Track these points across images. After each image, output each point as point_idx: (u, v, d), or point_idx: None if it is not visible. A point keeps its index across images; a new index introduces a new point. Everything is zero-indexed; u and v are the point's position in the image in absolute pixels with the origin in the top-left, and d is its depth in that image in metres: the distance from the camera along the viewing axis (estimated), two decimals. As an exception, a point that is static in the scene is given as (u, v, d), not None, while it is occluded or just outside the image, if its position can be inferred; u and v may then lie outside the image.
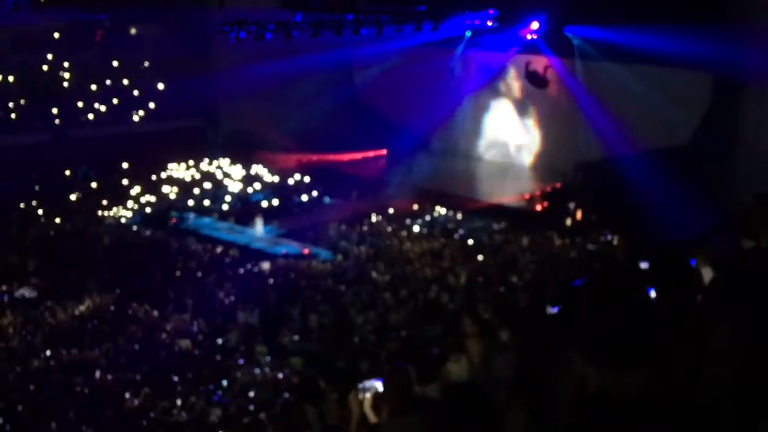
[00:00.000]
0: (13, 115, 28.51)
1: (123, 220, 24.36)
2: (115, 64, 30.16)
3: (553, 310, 6.42)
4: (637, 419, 2.92)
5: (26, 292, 17.73)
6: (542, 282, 16.22)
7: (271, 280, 18.44)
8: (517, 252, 20.34)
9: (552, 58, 25.15)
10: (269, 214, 24.50)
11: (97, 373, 13.45)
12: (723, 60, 19.39)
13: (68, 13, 27.56)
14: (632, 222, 19.41)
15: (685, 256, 5.01)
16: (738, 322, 3.28)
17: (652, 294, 4.82)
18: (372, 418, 5.55)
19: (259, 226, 23.13)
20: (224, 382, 13.11)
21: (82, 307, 16.72)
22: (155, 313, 16.35)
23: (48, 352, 14.42)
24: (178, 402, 12.34)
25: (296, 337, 14.93)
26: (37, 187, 25.87)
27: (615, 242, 20.87)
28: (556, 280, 15.27)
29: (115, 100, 29.88)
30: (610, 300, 4.19)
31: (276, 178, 27.63)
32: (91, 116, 29.48)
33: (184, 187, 26.69)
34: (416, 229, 22.96)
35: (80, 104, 29.32)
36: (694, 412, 2.97)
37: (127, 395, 12.59)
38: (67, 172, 27.27)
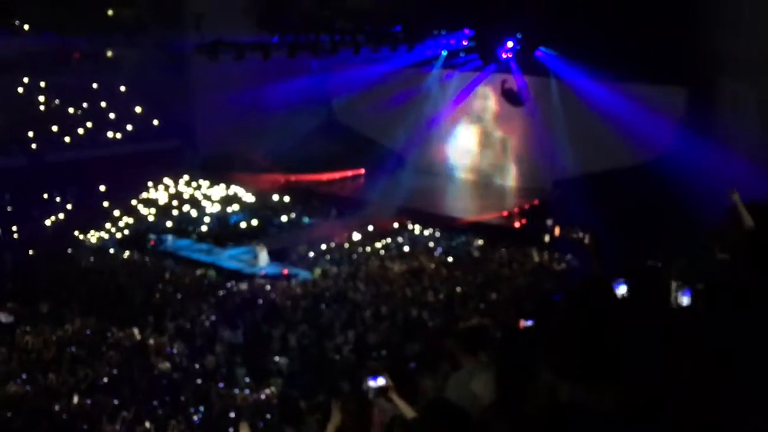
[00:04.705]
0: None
1: (101, 243, 24.18)
2: (92, 86, 30.07)
3: (527, 323, 6.46)
4: (609, 429, 2.97)
5: (2, 317, 17.52)
6: (521, 297, 16.28)
7: (251, 301, 18.36)
8: (497, 268, 20.40)
9: (526, 77, 25.42)
10: (249, 235, 24.41)
11: (75, 398, 13.30)
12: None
13: (45, 37, 27.44)
14: (608, 238, 19.50)
15: (661, 275, 5.09)
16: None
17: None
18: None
19: (263, 256, 22.16)
20: (202, 407, 12.98)
21: (60, 331, 16.55)
22: (135, 335, 16.21)
23: (24, 376, 14.26)
24: (156, 426, 12.20)
25: (277, 358, 14.85)
26: (11, 210, 25.67)
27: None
28: (535, 296, 15.36)
29: (90, 124, 29.77)
30: (584, 316, 4.24)
31: (255, 199, 27.61)
32: (68, 139, 29.35)
33: (163, 209, 26.59)
34: (395, 247, 22.98)
35: (56, 128, 29.18)
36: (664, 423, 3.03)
37: (105, 420, 12.44)
38: (45, 196, 27.08)
